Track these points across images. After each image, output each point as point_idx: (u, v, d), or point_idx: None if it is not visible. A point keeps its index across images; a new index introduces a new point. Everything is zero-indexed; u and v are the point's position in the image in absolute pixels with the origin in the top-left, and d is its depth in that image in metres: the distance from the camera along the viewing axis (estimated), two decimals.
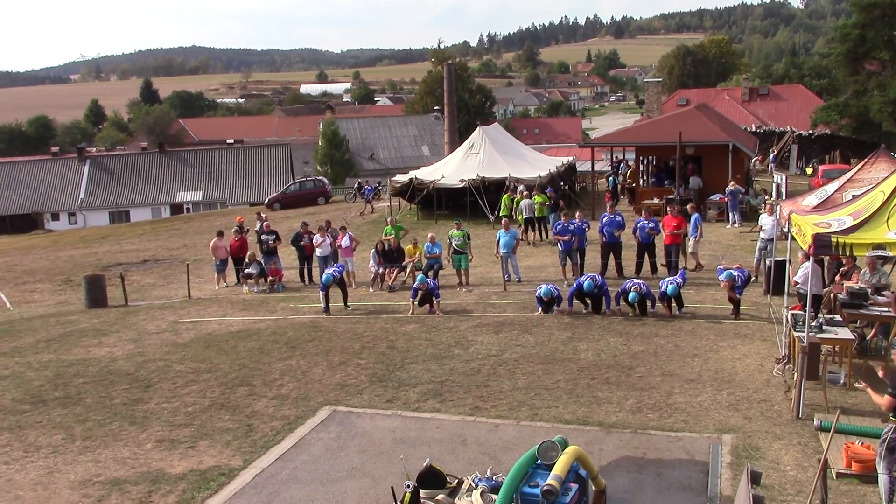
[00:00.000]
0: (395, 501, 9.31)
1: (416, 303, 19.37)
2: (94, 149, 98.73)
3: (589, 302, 18.54)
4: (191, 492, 10.45)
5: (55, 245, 44.06)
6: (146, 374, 15.51)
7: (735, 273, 17.55)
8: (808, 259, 12.87)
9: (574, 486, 8.30)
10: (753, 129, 51.76)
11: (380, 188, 45.22)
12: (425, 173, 37.81)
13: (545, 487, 7.90)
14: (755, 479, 8.22)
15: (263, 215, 30.01)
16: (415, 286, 19.60)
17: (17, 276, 32.80)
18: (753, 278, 21.00)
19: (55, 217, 70.25)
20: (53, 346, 18.24)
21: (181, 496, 10.34)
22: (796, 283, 15.05)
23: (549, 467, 8.27)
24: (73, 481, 10.89)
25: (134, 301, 24.09)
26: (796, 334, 13.21)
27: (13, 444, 12.18)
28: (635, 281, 18.40)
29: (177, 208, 69.11)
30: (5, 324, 21.79)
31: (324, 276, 20.12)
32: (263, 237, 25.22)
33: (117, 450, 11.92)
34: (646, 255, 21.92)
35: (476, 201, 34.01)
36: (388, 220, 28.69)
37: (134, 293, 25.50)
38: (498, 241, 22.44)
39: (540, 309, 18.60)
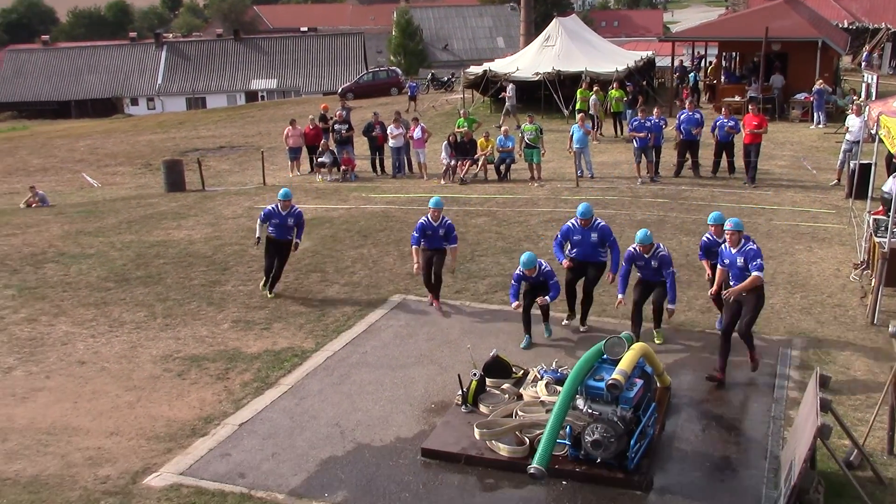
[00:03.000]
0: (462, 389, 9.54)
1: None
2: (171, 35, 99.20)
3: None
4: (265, 370, 10.86)
5: (135, 129, 44.96)
6: (223, 257, 15.95)
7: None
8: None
9: (639, 382, 8.38)
10: (845, 24, 49.21)
11: (452, 79, 44.61)
12: (500, 66, 37.17)
13: (610, 381, 7.99)
14: (824, 382, 8.17)
15: (348, 104, 30.13)
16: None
17: (99, 158, 33.72)
18: (835, 181, 20.39)
19: (134, 102, 71.50)
20: (135, 227, 18.82)
21: (256, 374, 10.76)
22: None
23: (615, 363, 8.34)
24: (155, 356, 11.41)
25: (211, 186, 24.60)
26: (877, 240, 12.85)
27: (99, 320, 12.75)
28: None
29: (251, 96, 69.58)
30: (89, 205, 22.53)
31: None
32: (336, 126, 25.29)
33: (196, 328, 12.40)
34: (724, 155, 21.41)
35: (550, 95, 33.43)
36: (461, 112, 28.44)
37: (210, 178, 26.02)
38: (571, 136, 22.11)
39: None
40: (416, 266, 12.83)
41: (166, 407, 9.94)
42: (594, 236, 11.72)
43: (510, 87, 32.72)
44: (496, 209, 19.13)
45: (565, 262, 11.90)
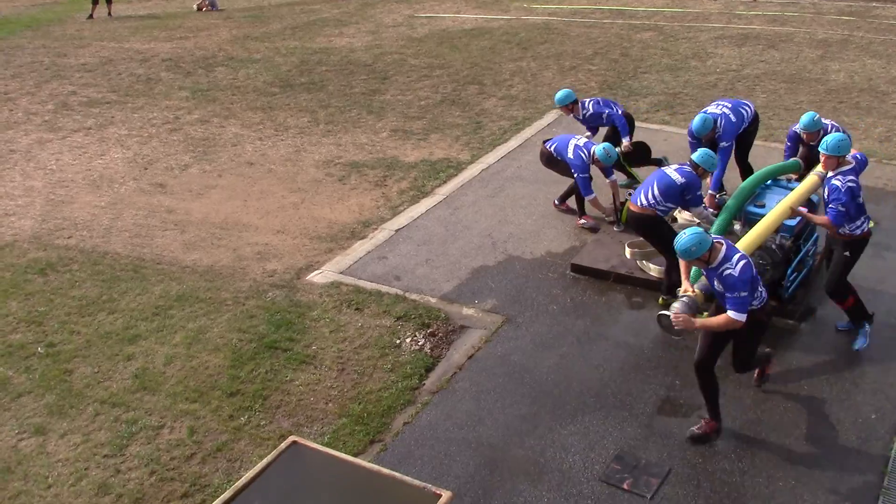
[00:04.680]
0: (616, 207, 9.49)
1: None
2: None
3: None
4: (422, 179, 11.09)
5: None
6: (383, 66, 16.04)
7: None
8: None
9: (803, 210, 8.02)
10: None
11: None
12: None
13: (761, 203, 7.74)
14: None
15: None
16: None
17: None
18: None
19: None
20: (298, 33, 19.09)
21: (413, 183, 11.01)
22: None
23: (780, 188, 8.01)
24: (318, 160, 11.83)
25: None
26: None
27: (265, 123, 13.26)
28: None
29: None
30: (255, 10, 22.91)
31: None
32: None
33: (356, 135, 12.70)
34: None
35: None
36: None
37: None
38: None
39: None
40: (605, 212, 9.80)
41: (328, 209, 10.39)
42: None
43: None
44: (664, 24, 18.15)
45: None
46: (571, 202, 9.93)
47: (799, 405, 6.82)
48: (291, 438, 5.07)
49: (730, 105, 9.53)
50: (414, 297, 8.42)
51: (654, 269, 8.50)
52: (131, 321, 8.03)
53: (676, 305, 6.11)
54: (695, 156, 7.91)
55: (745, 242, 6.93)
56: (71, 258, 9.23)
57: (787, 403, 6.83)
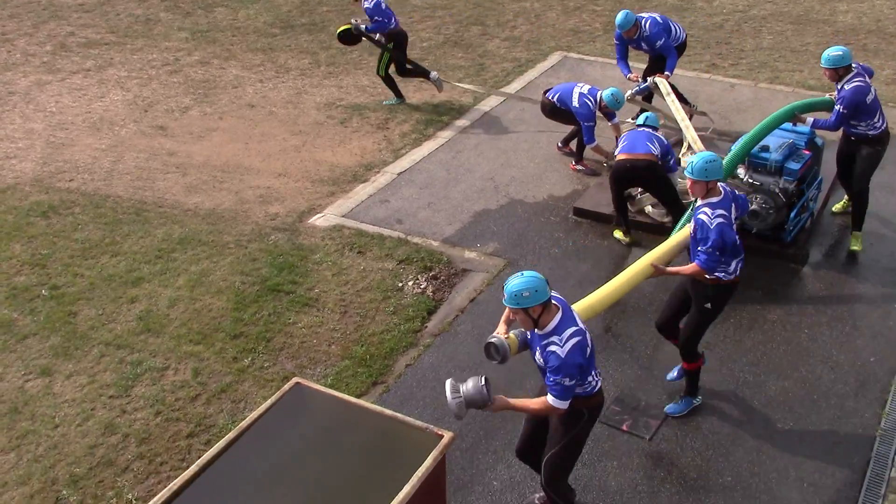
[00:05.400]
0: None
1: None
2: None
3: None
4: (424, 122, 10.99)
5: None
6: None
7: None
8: None
9: (807, 154, 7.99)
10: None
11: None
12: None
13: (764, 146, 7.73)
14: None
15: None
16: None
17: None
18: None
19: None
20: None
21: (415, 126, 10.93)
22: None
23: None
24: (319, 103, 11.74)
25: None
26: None
27: (266, 65, 13.12)
28: None
29: None
30: None
31: None
32: None
33: (357, 77, 12.58)
34: None
35: None
36: None
37: None
38: None
39: None
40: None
41: (329, 152, 10.34)
42: None
43: None
44: None
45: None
46: (575, 145, 9.87)
47: (798, 349, 6.87)
48: (295, 380, 5.12)
49: (657, 15, 9.94)
50: (416, 240, 8.43)
51: (655, 213, 8.50)
52: (134, 264, 8.05)
53: (468, 384, 4.62)
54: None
55: (584, 305, 5.54)
56: (73, 201, 9.22)
57: (787, 346, 6.88)
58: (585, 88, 9.30)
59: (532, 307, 4.51)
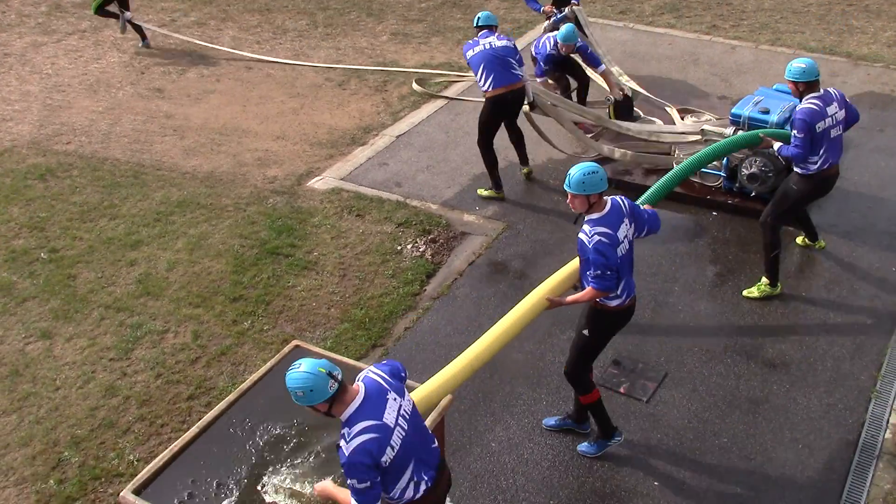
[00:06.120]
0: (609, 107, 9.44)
1: None
2: None
3: None
4: (420, 83, 10.93)
5: None
6: None
7: None
8: None
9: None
10: None
11: None
12: None
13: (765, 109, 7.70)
14: None
15: None
16: None
17: None
18: None
19: None
20: None
21: (413, 89, 10.87)
22: None
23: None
24: (318, 60, 11.65)
25: None
26: None
27: (263, 26, 13.00)
28: None
29: None
30: None
31: None
32: None
33: (356, 39, 12.47)
34: None
35: None
36: None
37: None
38: None
39: None
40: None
41: (328, 115, 10.29)
42: None
43: None
44: None
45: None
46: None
47: (796, 312, 6.89)
48: (294, 342, 5.15)
49: None
50: (415, 203, 8.42)
51: (605, 149, 8.76)
52: (133, 227, 8.05)
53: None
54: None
55: (424, 392, 4.77)
56: (70, 164, 9.19)
57: (784, 309, 6.90)
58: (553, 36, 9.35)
59: (315, 404, 3.73)
